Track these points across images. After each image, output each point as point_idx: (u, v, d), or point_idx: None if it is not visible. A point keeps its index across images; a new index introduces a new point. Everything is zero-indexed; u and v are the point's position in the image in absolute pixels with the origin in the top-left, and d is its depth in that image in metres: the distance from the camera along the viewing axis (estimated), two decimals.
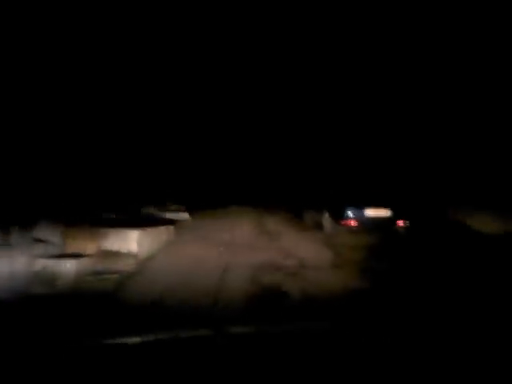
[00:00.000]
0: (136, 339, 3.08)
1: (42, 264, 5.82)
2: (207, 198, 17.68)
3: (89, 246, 6.61)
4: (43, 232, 6.53)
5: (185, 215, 13.11)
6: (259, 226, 11.84)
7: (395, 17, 12.98)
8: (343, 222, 9.81)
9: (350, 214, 9.75)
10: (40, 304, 5.08)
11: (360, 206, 9.78)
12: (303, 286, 6.33)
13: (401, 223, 9.80)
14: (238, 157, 20.50)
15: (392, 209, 9.79)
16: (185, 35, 13.82)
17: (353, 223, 9.72)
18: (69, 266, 5.82)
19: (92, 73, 10.10)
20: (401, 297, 5.87)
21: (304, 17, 13.84)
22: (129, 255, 6.61)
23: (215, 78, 16.17)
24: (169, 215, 12.85)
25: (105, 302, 5.22)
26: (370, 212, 9.75)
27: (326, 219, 10.34)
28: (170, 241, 8.70)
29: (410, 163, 13.06)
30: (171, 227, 9.15)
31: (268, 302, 5.58)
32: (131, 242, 6.76)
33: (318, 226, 11.00)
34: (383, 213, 9.79)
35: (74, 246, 6.59)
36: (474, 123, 12.86)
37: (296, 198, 15.15)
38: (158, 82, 13.36)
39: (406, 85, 13.89)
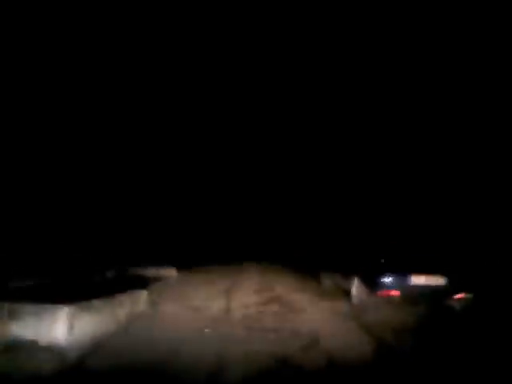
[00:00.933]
0: None
1: None
2: (205, 252, 15.25)
3: None
4: None
5: (171, 271, 10.54)
6: (265, 290, 9.18)
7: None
8: (380, 292, 7.18)
9: (389, 281, 7.15)
10: None
11: (403, 270, 7.20)
12: None
13: (459, 296, 7.15)
14: (242, 205, 18.36)
15: (447, 276, 7.17)
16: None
17: (393, 293, 7.10)
18: None
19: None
20: None
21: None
22: (48, 350, 3.96)
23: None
24: (150, 272, 10.31)
25: None
26: (417, 279, 7.13)
27: (357, 286, 7.71)
28: (135, 315, 6.05)
29: (471, 216, 10.39)
30: (142, 294, 6.50)
31: None
32: (56, 325, 4.14)
33: (341, 293, 8.41)
34: (435, 281, 7.16)
35: None
36: None
37: (310, 255, 12.68)
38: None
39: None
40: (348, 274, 8.13)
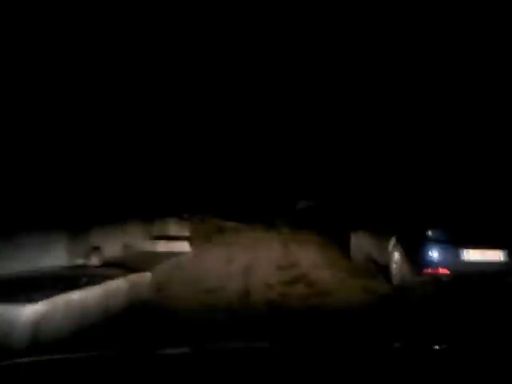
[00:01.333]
0: None
1: None
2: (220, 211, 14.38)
3: None
4: None
5: (184, 245, 9.51)
6: (289, 266, 8.08)
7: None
8: (426, 270, 6.03)
9: (437, 255, 5.97)
10: None
11: (454, 242, 5.99)
12: None
13: None
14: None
15: (509, 249, 5.95)
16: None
17: (442, 272, 5.94)
18: None
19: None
20: None
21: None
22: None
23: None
24: (161, 246, 9.33)
25: None
26: (472, 254, 5.93)
27: (397, 262, 6.54)
28: (135, 306, 5.02)
29: None
30: (144, 277, 5.44)
31: None
32: (15, 331, 3.06)
33: (378, 267, 7.28)
34: (493, 256, 5.95)
35: None
36: None
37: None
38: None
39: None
40: (384, 241, 6.93)
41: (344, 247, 9.57)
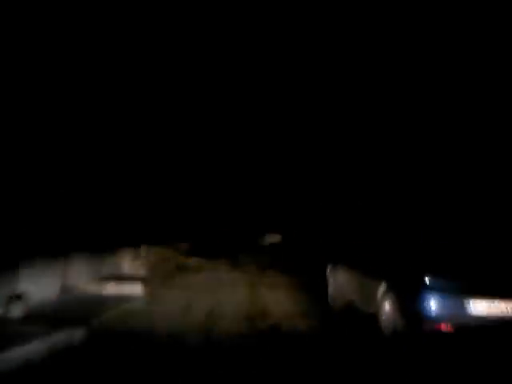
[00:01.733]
0: None
1: None
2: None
3: None
4: None
5: (137, 288, 8.18)
6: (259, 316, 6.88)
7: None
8: (424, 326, 4.99)
9: (437, 308, 4.96)
10: None
11: (459, 291, 5.00)
12: None
13: None
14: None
15: None
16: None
17: (444, 328, 4.91)
18: None
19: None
20: None
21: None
22: None
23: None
24: (111, 289, 7.99)
25: None
26: (481, 305, 4.94)
27: (387, 311, 5.48)
28: None
29: None
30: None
31: None
32: None
33: (363, 315, 6.23)
34: (507, 307, 4.97)
35: None
36: None
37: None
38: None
39: None
40: (371, 285, 5.87)
41: (317, 289, 8.56)
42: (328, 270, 7.95)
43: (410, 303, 5.14)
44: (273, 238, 18.36)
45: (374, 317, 5.77)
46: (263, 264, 13.53)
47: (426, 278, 5.06)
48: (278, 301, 8.09)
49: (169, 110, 13.43)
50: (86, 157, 9.09)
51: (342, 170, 14.41)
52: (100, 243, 8.90)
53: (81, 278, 7.86)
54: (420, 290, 5.04)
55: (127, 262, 10.06)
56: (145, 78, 11.52)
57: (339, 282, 7.31)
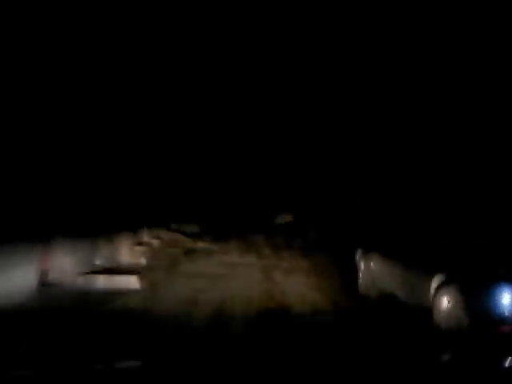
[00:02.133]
0: None
1: None
2: None
3: None
4: None
5: (134, 280, 7.01)
6: (275, 307, 5.69)
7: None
8: (501, 327, 3.78)
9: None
10: None
11: None
12: None
13: None
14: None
15: None
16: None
17: None
18: None
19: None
20: None
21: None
22: None
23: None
24: (103, 282, 6.86)
25: None
26: None
27: (446, 309, 4.24)
28: None
29: None
30: None
31: None
32: None
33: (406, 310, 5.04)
34: None
35: None
36: None
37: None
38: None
39: None
40: (421, 277, 4.65)
41: (343, 275, 7.37)
42: (358, 256, 6.75)
43: (477, 300, 3.94)
44: (285, 218, 17.32)
45: (423, 311, 4.60)
46: (278, 245, 12.37)
47: (502, 272, 3.89)
48: (299, 290, 6.91)
49: (179, 89, 13.71)
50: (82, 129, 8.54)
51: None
52: (92, 226, 7.73)
53: (67, 268, 6.69)
54: (493, 286, 3.87)
55: (126, 249, 8.92)
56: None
57: (374, 270, 6.10)
